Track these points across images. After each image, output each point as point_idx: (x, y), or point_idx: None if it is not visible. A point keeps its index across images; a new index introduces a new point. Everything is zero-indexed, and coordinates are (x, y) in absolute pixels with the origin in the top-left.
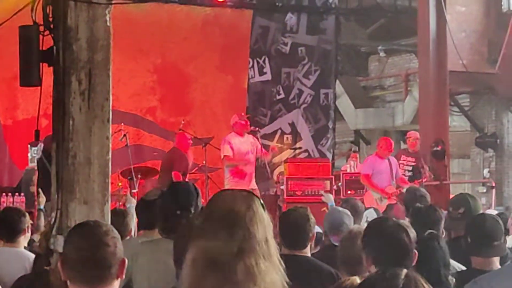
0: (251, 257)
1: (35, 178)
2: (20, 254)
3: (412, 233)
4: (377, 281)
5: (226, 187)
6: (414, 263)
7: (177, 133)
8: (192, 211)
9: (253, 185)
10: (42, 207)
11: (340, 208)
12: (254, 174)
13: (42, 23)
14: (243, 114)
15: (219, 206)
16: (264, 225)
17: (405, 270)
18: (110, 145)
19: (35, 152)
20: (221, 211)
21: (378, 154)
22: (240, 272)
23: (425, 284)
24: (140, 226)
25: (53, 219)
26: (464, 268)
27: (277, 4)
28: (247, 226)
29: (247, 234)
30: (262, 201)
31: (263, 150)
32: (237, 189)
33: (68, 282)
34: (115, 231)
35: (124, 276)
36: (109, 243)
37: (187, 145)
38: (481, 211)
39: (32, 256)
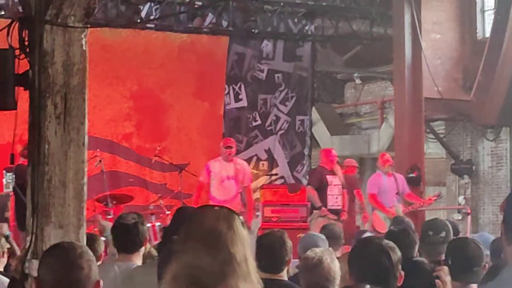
0: (231, 279)
1: (9, 203)
2: None
3: (396, 255)
4: None
5: None
6: (400, 284)
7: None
8: None
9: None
10: (7, 233)
11: (314, 233)
12: (237, 202)
13: (17, 46)
14: (227, 141)
15: (201, 224)
16: (244, 245)
17: (368, 286)
18: (86, 169)
19: (10, 178)
20: (203, 229)
21: (378, 172)
22: None
23: None
24: (117, 250)
25: (28, 243)
26: None
27: (253, 31)
28: (228, 248)
29: (228, 256)
30: (242, 219)
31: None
32: (218, 205)
33: None
34: (90, 253)
35: None
36: (83, 265)
37: None
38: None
39: (7, 280)
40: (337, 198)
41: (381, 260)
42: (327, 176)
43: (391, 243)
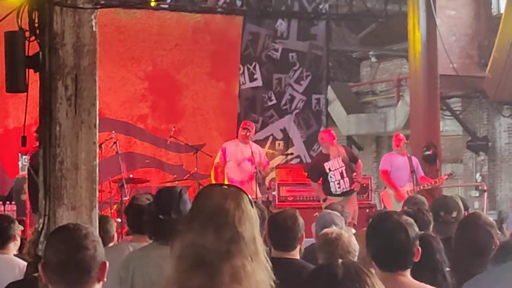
0: (237, 258)
1: (26, 186)
2: (10, 261)
3: (414, 231)
4: (316, 274)
5: None
6: (417, 260)
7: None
8: (173, 216)
9: (250, 194)
10: None
11: (330, 210)
12: (253, 183)
13: (27, 28)
14: (248, 123)
15: (208, 202)
16: (252, 224)
17: (340, 260)
18: (98, 151)
19: (26, 160)
20: (210, 208)
21: (393, 151)
22: (226, 273)
23: (367, 273)
24: (130, 231)
25: (40, 225)
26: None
27: (268, 9)
28: (235, 227)
29: (235, 235)
30: (250, 197)
31: (265, 160)
32: (226, 184)
33: (49, 286)
34: (96, 234)
35: (105, 279)
36: (89, 247)
37: None
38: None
39: (22, 262)
40: (339, 182)
41: (399, 236)
42: (325, 164)
43: (410, 219)
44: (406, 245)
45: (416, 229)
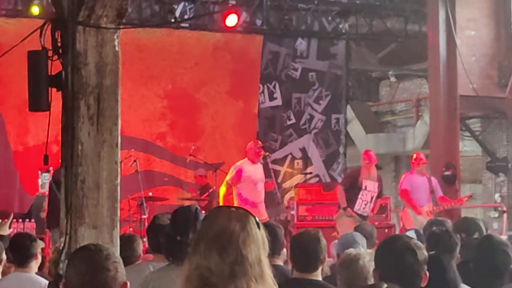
0: (242, 280)
1: (45, 204)
2: (32, 279)
3: (423, 254)
4: None
5: None
6: (424, 284)
7: None
8: (191, 236)
9: (263, 214)
10: None
11: (353, 232)
12: (263, 204)
13: (50, 47)
14: (259, 142)
15: (214, 224)
16: (258, 246)
17: (385, 285)
18: (119, 170)
19: (46, 178)
20: (215, 229)
21: (411, 170)
22: None
23: None
24: (150, 250)
25: (62, 244)
26: None
27: (288, 28)
28: (239, 248)
29: (239, 256)
30: (257, 220)
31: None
32: (233, 206)
33: None
34: (117, 255)
35: None
36: (110, 268)
37: None
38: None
39: (44, 281)
40: (366, 204)
41: (406, 258)
42: (364, 180)
43: (419, 243)
44: (414, 268)
45: (425, 253)
